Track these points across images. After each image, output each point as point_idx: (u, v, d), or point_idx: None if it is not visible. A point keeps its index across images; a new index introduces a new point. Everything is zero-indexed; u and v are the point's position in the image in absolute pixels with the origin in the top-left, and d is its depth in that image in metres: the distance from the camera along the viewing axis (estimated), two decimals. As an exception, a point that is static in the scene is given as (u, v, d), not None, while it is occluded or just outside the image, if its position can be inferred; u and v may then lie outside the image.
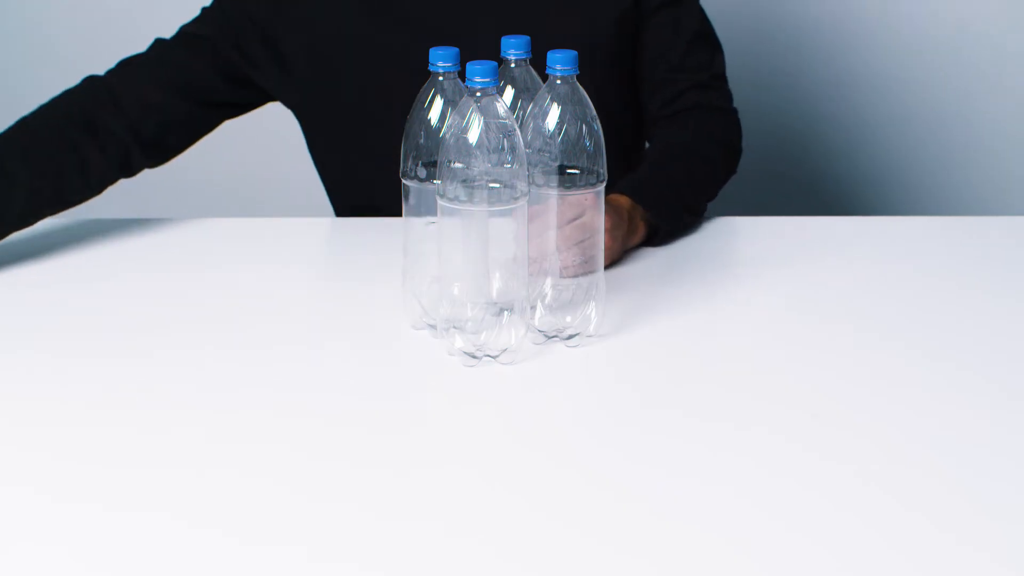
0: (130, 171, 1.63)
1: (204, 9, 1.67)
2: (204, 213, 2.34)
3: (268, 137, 2.48)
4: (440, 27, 1.58)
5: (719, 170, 1.65)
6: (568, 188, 1.25)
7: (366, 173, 1.65)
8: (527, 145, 1.23)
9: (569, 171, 1.25)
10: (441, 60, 1.24)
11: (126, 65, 1.65)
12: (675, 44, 1.67)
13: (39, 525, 0.99)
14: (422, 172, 1.26)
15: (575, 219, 1.29)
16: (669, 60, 1.67)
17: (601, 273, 1.29)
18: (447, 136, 1.18)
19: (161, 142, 1.64)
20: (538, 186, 1.26)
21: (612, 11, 1.64)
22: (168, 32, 1.69)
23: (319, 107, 1.67)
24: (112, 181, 1.62)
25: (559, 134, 1.24)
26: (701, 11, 1.70)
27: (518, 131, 1.18)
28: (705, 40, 1.70)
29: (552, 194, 1.26)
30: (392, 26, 1.61)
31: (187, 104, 1.64)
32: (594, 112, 1.24)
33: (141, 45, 1.71)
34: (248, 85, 1.66)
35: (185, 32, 1.66)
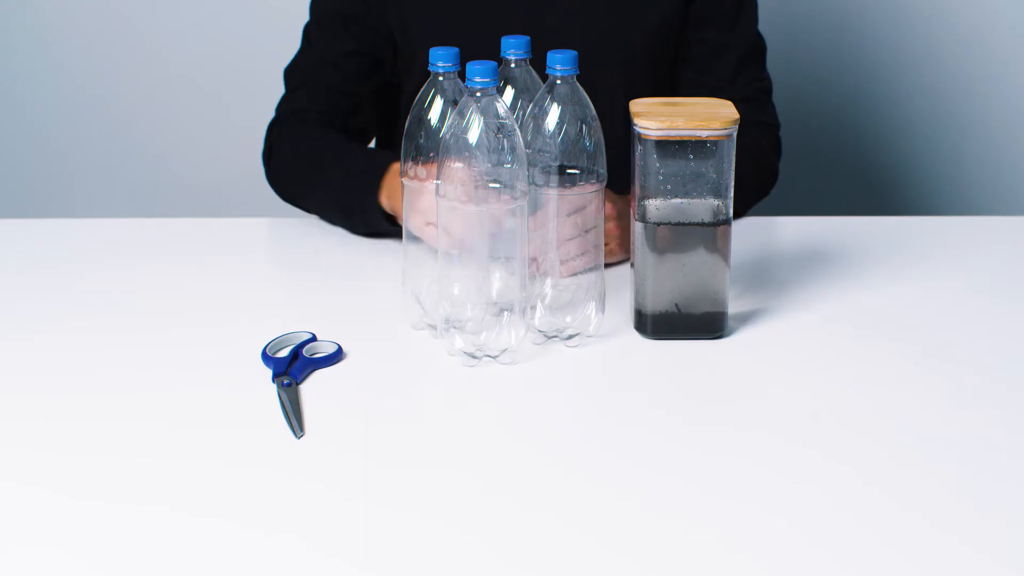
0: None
1: None
2: (204, 213, 2.34)
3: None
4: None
5: (749, 189, 1.59)
6: (568, 188, 1.26)
7: None
8: (527, 145, 1.23)
9: (569, 171, 1.25)
10: (441, 60, 1.24)
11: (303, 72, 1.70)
12: (729, 55, 1.68)
13: (24, 520, 0.99)
14: (422, 172, 1.26)
15: (573, 214, 1.30)
16: (722, 70, 1.67)
17: (602, 273, 1.29)
18: (447, 136, 1.18)
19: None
20: (538, 186, 1.26)
21: (656, 11, 1.65)
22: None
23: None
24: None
25: (559, 134, 1.24)
26: (757, 26, 1.71)
27: (518, 131, 1.19)
28: (759, 56, 1.71)
29: (552, 194, 1.26)
30: (473, 10, 1.63)
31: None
32: (594, 112, 1.24)
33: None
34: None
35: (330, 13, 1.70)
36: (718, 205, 1.27)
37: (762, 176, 1.67)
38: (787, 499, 1.02)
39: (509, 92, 1.28)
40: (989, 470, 1.06)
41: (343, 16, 1.67)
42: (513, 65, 1.28)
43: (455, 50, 1.24)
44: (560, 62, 1.22)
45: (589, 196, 1.26)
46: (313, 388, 1.20)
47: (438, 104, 1.25)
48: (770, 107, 1.72)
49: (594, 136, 1.24)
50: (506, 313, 1.22)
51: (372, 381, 1.22)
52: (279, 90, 1.75)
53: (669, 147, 1.25)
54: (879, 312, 1.36)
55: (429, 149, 1.25)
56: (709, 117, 1.25)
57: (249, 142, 2.46)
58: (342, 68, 1.67)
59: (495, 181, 1.18)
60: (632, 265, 1.30)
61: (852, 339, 1.30)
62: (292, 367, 1.21)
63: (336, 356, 1.25)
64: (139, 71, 2.50)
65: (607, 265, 1.39)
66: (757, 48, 1.71)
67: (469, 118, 1.17)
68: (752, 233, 1.59)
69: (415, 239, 1.29)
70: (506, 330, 1.22)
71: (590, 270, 1.29)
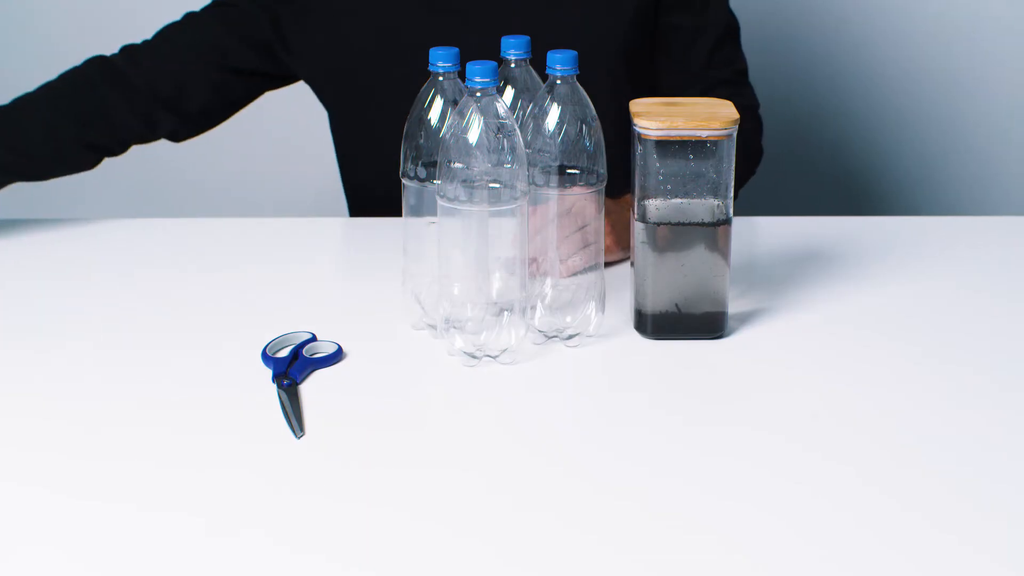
0: (154, 129, 1.67)
1: None
2: (204, 213, 2.34)
3: (268, 137, 2.48)
4: (466, 11, 1.60)
5: (737, 175, 1.60)
6: (568, 188, 1.26)
7: (376, 161, 1.65)
8: (527, 145, 1.23)
9: (569, 171, 1.25)
10: (441, 60, 1.24)
11: (159, 33, 1.69)
12: (704, 39, 1.67)
13: (31, 522, 0.99)
14: (422, 172, 1.26)
15: (569, 212, 1.29)
16: (697, 55, 1.66)
17: (601, 273, 1.29)
18: (447, 136, 1.18)
19: (184, 104, 1.66)
20: (538, 186, 1.26)
21: (628, 3, 1.64)
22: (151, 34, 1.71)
23: (333, 90, 1.69)
24: (137, 133, 1.66)
25: (559, 134, 1.24)
26: (729, 7, 1.70)
27: (518, 131, 1.19)
28: (733, 36, 1.70)
29: (552, 194, 1.26)
30: (422, 11, 1.62)
31: (205, 65, 1.66)
32: (594, 112, 1.24)
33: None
34: (273, 56, 1.68)
35: (217, 1, 1.70)
36: (718, 205, 1.27)
37: (749, 160, 1.67)
38: (787, 499, 1.02)
39: (509, 92, 1.28)
40: (989, 470, 1.06)
41: (243, 7, 1.67)
42: (513, 65, 1.28)
43: (455, 50, 1.24)
44: (560, 62, 1.22)
45: (587, 195, 1.26)
46: (313, 388, 1.20)
47: (438, 104, 1.25)
48: (748, 88, 1.71)
49: (594, 136, 1.24)
50: (506, 313, 1.22)
51: (372, 381, 1.22)
52: (279, 90, 1.75)
53: (669, 147, 1.25)
54: (879, 312, 1.36)
55: (429, 149, 1.25)
56: (709, 117, 1.25)
57: (250, 142, 2.47)
58: (202, 50, 1.67)
59: (495, 181, 1.18)
60: (632, 265, 1.30)
61: (852, 339, 1.30)
62: (292, 367, 1.22)
63: (336, 356, 1.25)
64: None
65: (606, 264, 1.39)
66: (730, 29, 1.70)
67: (469, 118, 1.17)
68: (752, 233, 1.59)
69: (415, 238, 1.29)
70: (506, 330, 1.22)
71: (590, 270, 1.29)
